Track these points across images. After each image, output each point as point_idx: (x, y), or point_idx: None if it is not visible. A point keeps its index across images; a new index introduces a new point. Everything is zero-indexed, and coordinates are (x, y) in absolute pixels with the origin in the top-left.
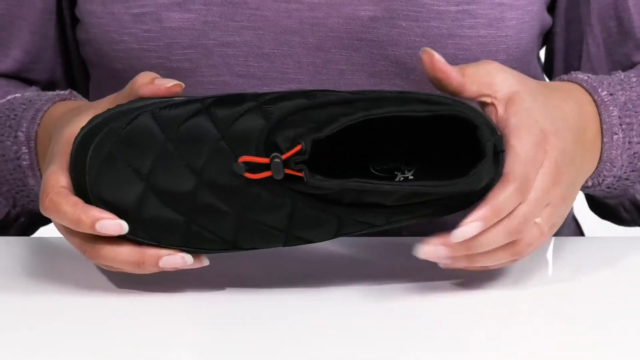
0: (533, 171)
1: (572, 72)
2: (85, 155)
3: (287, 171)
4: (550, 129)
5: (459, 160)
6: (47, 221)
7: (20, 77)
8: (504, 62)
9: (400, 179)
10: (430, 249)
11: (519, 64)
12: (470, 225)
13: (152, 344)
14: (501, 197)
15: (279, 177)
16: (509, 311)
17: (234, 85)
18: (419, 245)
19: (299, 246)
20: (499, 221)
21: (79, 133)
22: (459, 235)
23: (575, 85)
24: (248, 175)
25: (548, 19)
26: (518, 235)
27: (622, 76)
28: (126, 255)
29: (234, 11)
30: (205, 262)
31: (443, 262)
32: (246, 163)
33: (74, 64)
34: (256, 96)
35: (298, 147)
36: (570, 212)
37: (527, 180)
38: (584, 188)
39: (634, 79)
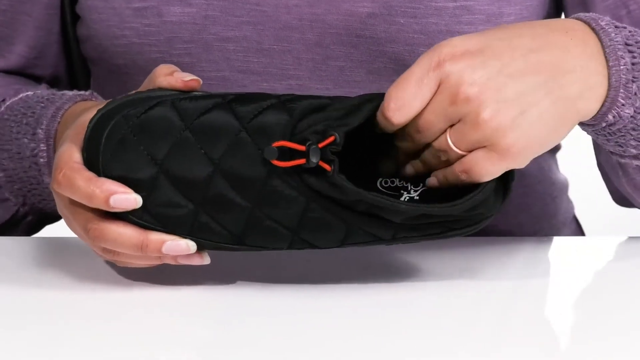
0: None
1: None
2: (100, 136)
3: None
4: (460, 49)
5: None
6: (53, 220)
7: (25, 73)
8: None
9: (405, 198)
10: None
11: None
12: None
13: (157, 340)
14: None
15: (314, 164)
16: (509, 310)
17: (234, 80)
18: None
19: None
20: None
21: (95, 115)
22: None
23: (571, 20)
24: (277, 162)
25: (548, 12)
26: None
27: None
28: (129, 237)
29: (234, 6)
30: (206, 259)
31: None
32: (277, 150)
33: (75, 61)
34: (278, 95)
35: (332, 138)
36: (570, 212)
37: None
38: (607, 127)
39: None
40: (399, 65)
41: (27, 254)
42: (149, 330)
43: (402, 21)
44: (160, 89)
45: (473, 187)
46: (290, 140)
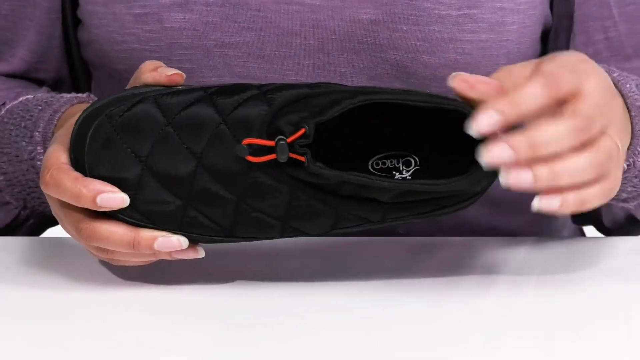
0: (568, 73)
1: None
2: (85, 136)
3: (291, 155)
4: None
5: (461, 162)
6: (55, 223)
7: (28, 77)
8: None
9: (398, 178)
10: (494, 150)
11: None
12: (483, 115)
13: (157, 340)
14: (522, 89)
15: (284, 159)
16: (509, 311)
17: None
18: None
19: (298, 248)
20: (561, 120)
21: (80, 115)
22: (474, 128)
23: None
24: (250, 158)
25: (549, 22)
26: (585, 136)
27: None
28: (121, 235)
29: (235, 12)
30: (201, 253)
31: (523, 180)
32: (249, 146)
33: (76, 64)
34: (259, 85)
35: (302, 131)
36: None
37: (556, 79)
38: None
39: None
40: (401, 72)
41: (28, 253)
42: (148, 330)
43: (405, 28)
44: (146, 85)
45: (461, 168)
46: (266, 130)
